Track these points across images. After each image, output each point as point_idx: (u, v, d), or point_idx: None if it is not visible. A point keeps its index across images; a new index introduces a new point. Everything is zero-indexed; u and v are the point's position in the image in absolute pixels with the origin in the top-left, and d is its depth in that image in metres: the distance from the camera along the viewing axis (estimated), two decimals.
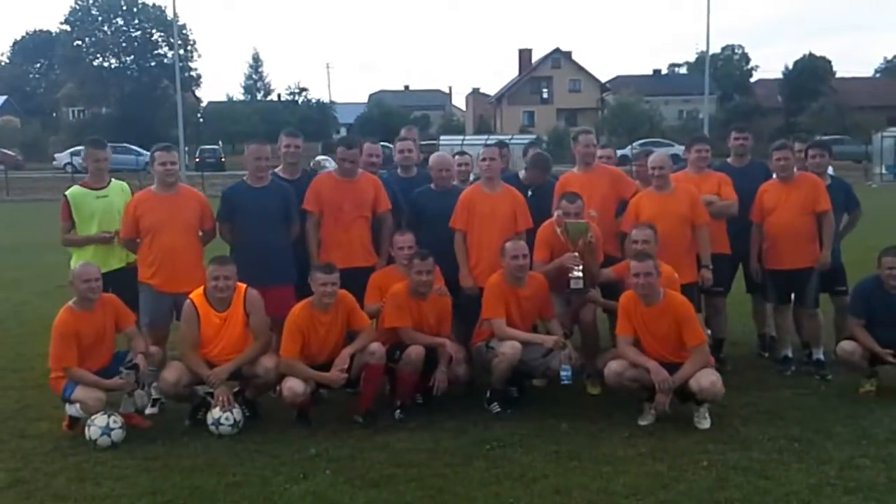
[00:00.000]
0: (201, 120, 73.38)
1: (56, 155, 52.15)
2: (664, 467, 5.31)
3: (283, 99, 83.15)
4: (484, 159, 7.16)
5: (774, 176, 7.54)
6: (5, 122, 66.90)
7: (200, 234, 6.86)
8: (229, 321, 6.25)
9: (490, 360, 6.51)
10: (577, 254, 6.65)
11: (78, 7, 68.64)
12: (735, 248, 7.56)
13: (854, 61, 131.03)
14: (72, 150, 51.66)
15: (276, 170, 7.21)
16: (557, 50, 77.65)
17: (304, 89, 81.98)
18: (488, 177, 7.16)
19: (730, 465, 5.32)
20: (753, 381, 7.15)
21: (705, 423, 6.02)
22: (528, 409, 6.54)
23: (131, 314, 6.45)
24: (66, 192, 6.87)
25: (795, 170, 7.42)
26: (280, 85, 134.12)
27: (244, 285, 6.31)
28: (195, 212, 6.76)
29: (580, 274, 6.66)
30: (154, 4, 70.55)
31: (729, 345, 7.83)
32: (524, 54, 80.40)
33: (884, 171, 43.25)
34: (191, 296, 6.27)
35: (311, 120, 71.03)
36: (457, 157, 7.92)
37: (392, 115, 72.44)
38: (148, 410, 6.56)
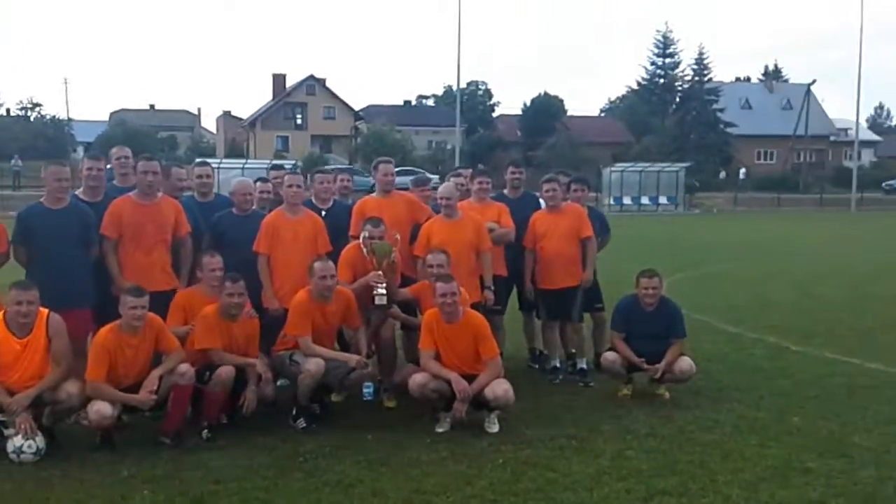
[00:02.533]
0: None
1: None
2: (465, 467, 5.89)
3: (13, 114, 77.24)
4: (290, 186, 7.49)
5: (543, 205, 8.46)
6: None
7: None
8: (30, 347, 6.10)
9: (293, 373, 6.82)
10: (381, 272, 7.13)
11: None
12: (510, 271, 8.38)
13: (583, 101, 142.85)
14: None
15: (76, 192, 7.12)
16: (312, 77, 78.10)
17: (37, 104, 76.76)
18: (293, 203, 7.48)
19: (521, 461, 5.99)
20: (529, 389, 7.90)
21: (495, 428, 6.68)
22: (332, 424, 6.89)
23: None
24: None
25: (562, 200, 8.38)
26: (10, 99, 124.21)
27: (46, 310, 6.18)
28: None
29: (384, 291, 7.15)
30: None
31: (504, 358, 8.60)
32: (278, 79, 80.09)
33: (612, 202, 47.87)
34: None
35: (45, 137, 66.64)
36: (258, 183, 8.15)
37: (137, 135, 69.51)
38: None
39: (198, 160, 8.27)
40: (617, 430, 6.73)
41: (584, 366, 8.42)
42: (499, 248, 8.17)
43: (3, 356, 6.03)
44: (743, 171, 57.66)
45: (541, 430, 6.68)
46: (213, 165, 8.54)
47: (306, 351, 6.82)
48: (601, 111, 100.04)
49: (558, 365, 8.50)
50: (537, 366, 8.91)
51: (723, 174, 66.67)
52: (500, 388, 6.61)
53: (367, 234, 7.19)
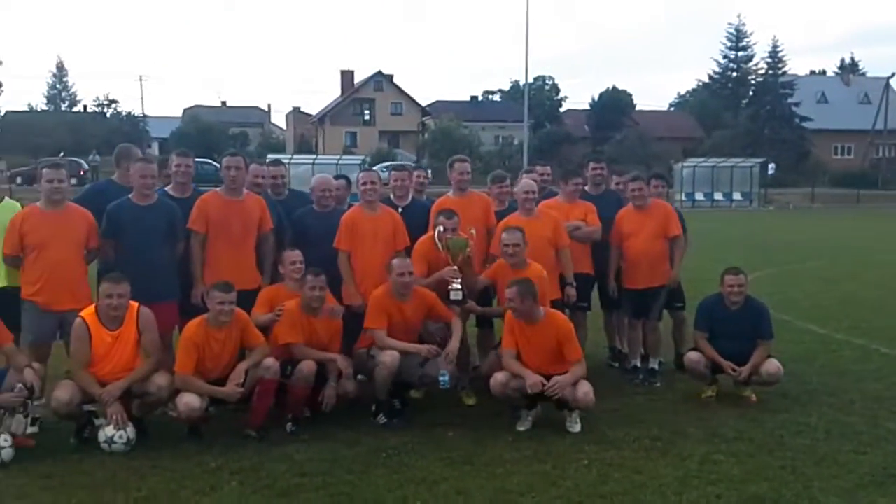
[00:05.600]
0: None
1: None
2: (549, 467, 5.82)
3: (90, 110, 79.48)
4: (365, 183, 7.50)
5: (630, 203, 8.31)
6: None
7: (85, 252, 6.76)
8: (121, 339, 6.24)
9: (371, 367, 6.86)
10: (456, 268, 7.09)
11: None
12: (595, 269, 8.27)
13: (652, 95, 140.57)
14: None
15: (166, 188, 7.25)
16: (380, 73, 78.65)
17: (113, 101, 79.00)
18: (369, 200, 7.50)
19: (606, 462, 5.90)
20: (610, 389, 7.76)
21: (577, 427, 6.60)
22: (413, 420, 6.89)
23: (8, 332, 6.30)
24: None
25: (648, 198, 8.21)
26: (87, 96, 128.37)
27: (136, 304, 6.31)
28: (82, 229, 6.68)
29: (459, 286, 7.09)
30: None
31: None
32: (346, 75, 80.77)
33: (683, 197, 47.08)
34: (82, 313, 6.22)
35: (120, 133, 68.12)
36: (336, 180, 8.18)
37: (210, 130, 70.90)
38: (29, 430, 6.37)
39: (271, 158, 8.32)
40: (703, 432, 6.58)
41: (655, 366, 8.26)
42: (585, 246, 8.09)
43: (95, 348, 6.16)
44: (772, 166, 55.65)
45: (624, 431, 6.57)
46: (284, 161, 8.55)
47: (381, 344, 6.83)
48: (670, 105, 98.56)
49: (638, 364, 8.36)
50: (617, 365, 8.78)
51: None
52: (580, 390, 6.53)
53: (441, 228, 7.15)
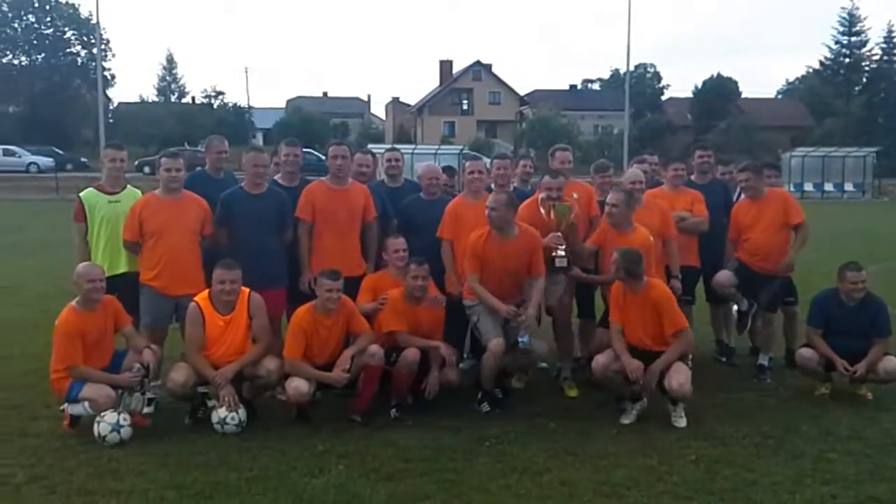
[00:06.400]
0: (111, 121, 71.50)
1: None
2: (655, 462, 5.72)
3: (198, 102, 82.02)
4: (472, 172, 7.51)
5: (742, 195, 8.09)
6: None
7: (199, 238, 6.99)
8: (233, 324, 6.44)
9: (475, 336, 7.03)
10: (560, 234, 7.02)
11: None
12: (702, 261, 8.07)
13: (758, 82, 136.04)
14: None
15: (275, 177, 7.43)
16: (478, 62, 78.63)
17: (220, 93, 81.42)
18: (475, 189, 7.50)
19: (714, 459, 5.76)
20: (717, 383, 7.62)
21: (682, 422, 6.47)
22: (514, 410, 6.89)
23: (128, 315, 6.57)
24: (80, 194, 6.97)
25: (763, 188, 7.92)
26: (196, 88, 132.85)
27: (248, 289, 6.50)
28: (198, 217, 6.91)
29: (564, 253, 7.02)
30: (67, 2, 69.06)
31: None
32: (445, 65, 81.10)
33: (792, 188, 45.47)
34: (196, 298, 6.44)
35: (227, 124, 70.16)
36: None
37: (312, 121, 72.23)
38: (145, 410, 6.64)
39: (388, 146, 8.41)
40: (816, 430, 6.37)
41: (765, 362, 8.00)
42: (692, 238, 7.91)
43: (209, 332, 6.38)
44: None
45: (732, 427, 6.41)
46: (380, 152, 8.63)
47: (472, 288, 6.81)
48: (778, 93, 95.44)
49: (766, 364, 8.03)
50: (724, 359, 8.56)
51: None
52: (675, 381, 6.39)
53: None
